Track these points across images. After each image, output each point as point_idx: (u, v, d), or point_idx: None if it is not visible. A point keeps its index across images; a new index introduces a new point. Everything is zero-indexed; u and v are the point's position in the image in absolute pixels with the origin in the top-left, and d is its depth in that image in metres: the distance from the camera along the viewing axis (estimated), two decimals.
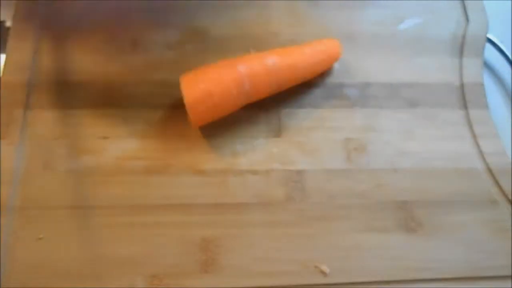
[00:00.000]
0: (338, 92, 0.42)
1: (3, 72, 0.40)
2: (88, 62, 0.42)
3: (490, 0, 0.48)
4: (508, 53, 0.47)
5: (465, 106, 0.43)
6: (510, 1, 0.52)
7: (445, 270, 0.36)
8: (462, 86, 0.44)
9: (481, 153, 0.41)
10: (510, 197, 0.39)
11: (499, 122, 0.43)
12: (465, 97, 0.43)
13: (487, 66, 0.47)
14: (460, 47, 0.46)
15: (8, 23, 0.43)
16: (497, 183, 0.39)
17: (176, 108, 0.39)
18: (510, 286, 0.35)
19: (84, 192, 0.36)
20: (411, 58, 0.45)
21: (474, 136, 0.41)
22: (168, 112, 0.40)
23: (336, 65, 0.43)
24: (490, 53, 0.47)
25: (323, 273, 0.35)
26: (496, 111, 0.44)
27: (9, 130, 0.38)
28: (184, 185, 0.37)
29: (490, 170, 0.40)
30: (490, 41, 0.47)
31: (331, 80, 0.43)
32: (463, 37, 0.46)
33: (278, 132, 0.40)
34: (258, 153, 0.39)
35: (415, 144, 0.41)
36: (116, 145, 0.38)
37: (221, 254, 0.35)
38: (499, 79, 0.47)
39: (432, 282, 0.35)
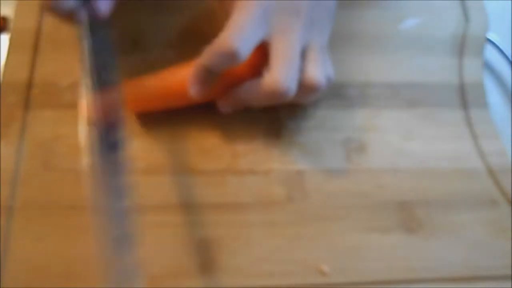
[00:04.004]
0: (338, 92, 0.42)
1: (3, 72, 0.40)
2: None
3: (490, 0, 0.48)
4: (508, 53, 0.47)
5: (465, 106, 0.43)
6: (510, 1, 0.52)
7: (445, 270, 0.36)
8: (462, 86, 0.44)
9: (481, 153, 0.41)
10: (510, 197, 0.39)
11: (499, 122, 0.43)
12: (465, 97, 0.43)
13: (487, 66, 0.47)
14: (460, 47, 0.46)
15: None
16: (497, 183, 0.39)
17: (174, 109, 0.39)
18: (510, 286, 0.35)
19: (84, 192, 0.36)
20: (411, 58, 0.45)
21: (474, 136, 0.41)
22: (168, 112, 0.40)
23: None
24: (490, 53, 0.47)
25: (323, 273, 0.35)
26: (496, 111, 0.44)
27: (9, 130, 0.38)
28: (184, 185, 0.37)
29: (490, 170, 0.40)
30: (490, 41, 0.47)
31: None
32: (463, 37, 0.46)
33: (278, 132, 0.40)
34: (258, 153, 0.39)
35: (415, 144, 0.41)
36: None
37: (221, 254, 0.35)
38: (499, 79, 0.47)
39: (432, 282, 0.35)
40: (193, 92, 0.36)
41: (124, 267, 0.29)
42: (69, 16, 0.33)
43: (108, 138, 0.31)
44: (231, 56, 0.33)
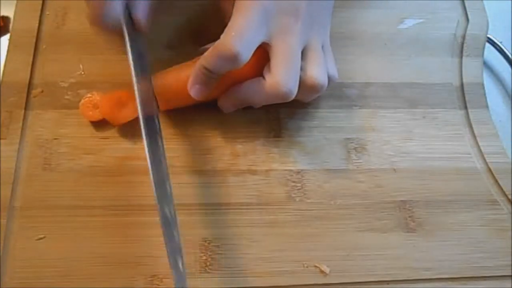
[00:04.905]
0: (338, 92, 0.42)
1: (3, 72, 0.40)
2: (88, 62, 0.42)
3: (490, 0, 0.48)
4: (508, 53, 0.47)
5: (465, 106, 0.43)
6: (510, 1, 0.52)
7: (445, 270, 0.36)
8: (462, 86, 0.44)
9: (481, 153, 0.41)
10: (510, 197, 0.39)
11: (499, 122, 0.43)
12: (465, 97, 0.43)
13: (487, 66, 0.47)
14: (460, 47, 0.46)
15: None
16: (497, 183, 0.39)
17: (175, 108, 0.39)
18: (510, 286, 0.35)
19: (84, 192, 0.36)
20: (411, 58, 0.45)
21: (474, 136, 0.41)
22: (167, 112, 0.40)
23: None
24: (490, 53, 0.47)
25: (323, 273, 0.35)
26: (496, 111, 0.44)
27: (9, 130, 0.38)
28: (184, 185, 0.37)
29: (490, 170, 0.40)
30: (490, 41, 0.47)
31: None
32: (463, 37, 0.46)
33: (278, 132, 0.40)
34: (258, 153, 0.39)
35: (414, 144, 0.41)
36: (116, 145, 0.38)
37: (221, 254, 0.35)
38: (499, 79, 0.47)
39: (432, 282, 0.35)
40: (193, 92, 0.36)
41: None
42: (113, 29, 0.35)
43: (149, 124, 0.34)
44: (233, 60, 0.33)
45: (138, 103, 0.33)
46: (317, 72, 0.36)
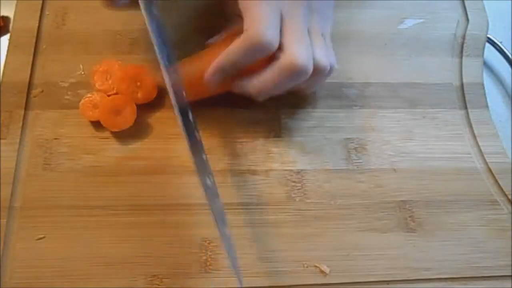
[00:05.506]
0: (337, 92, 0.42)
1: (3, 72, 0.40)
2: (88, 62, 0.42)
3: (490, 0, 0.48)
4: (508, 53, 0.47)
5: (465, 106, 0.43)
6: (510, 1, 0.52)
7: (445, 270, 0.36)
8: (462, 86, 0.44)
9: (481, 153, 0.41)
10: (510, 197, 0.39)
11: (499, 122, 0.43)
12: (465, 97, 0.43)
13: (487, 66, 0.47)
14: (460, 47, 0.46)
15: None
16: (497, 183, 0.39)
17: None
18: (510, 286, 0.35)
19: (84, 192, 0.36)
20: (411, 58, 0.45)
21: (474, 136, 0.41)
22: (168, 112, 0.40)
23: (335, 65, 0.43)
24: (490, 53, 0.47)
25: (323, 273, 0.35)
26: (496, 111, 0.44)
27: (9, 130, 0.38)
28: (184, 185, 0.37)
29: (490, 170, 0.40)
30: (490, 41, 0.47)
31: (331, 80, 0.43)
32: (463, 37, 0.46)
33: (278, 132, 0.40)
34: (258, 153, 0.39)
35: (414, 144, 0.41)
36: (116, 145, 0.38)
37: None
38: (499, 79, 0.47)
39: (432, 282, 0.35)
40: (211, 81, 0.36)
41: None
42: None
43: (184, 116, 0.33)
44: (267, 47, 0.34)
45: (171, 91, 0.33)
46: (320, 55, 0.36)
